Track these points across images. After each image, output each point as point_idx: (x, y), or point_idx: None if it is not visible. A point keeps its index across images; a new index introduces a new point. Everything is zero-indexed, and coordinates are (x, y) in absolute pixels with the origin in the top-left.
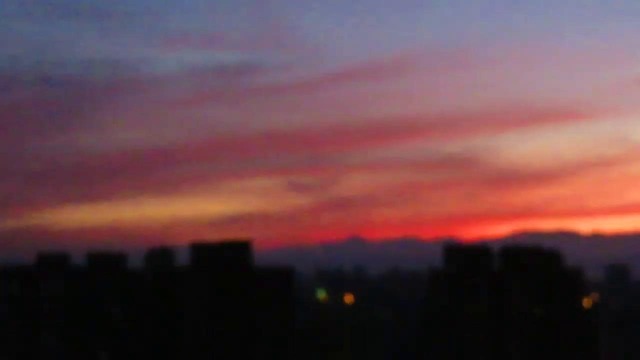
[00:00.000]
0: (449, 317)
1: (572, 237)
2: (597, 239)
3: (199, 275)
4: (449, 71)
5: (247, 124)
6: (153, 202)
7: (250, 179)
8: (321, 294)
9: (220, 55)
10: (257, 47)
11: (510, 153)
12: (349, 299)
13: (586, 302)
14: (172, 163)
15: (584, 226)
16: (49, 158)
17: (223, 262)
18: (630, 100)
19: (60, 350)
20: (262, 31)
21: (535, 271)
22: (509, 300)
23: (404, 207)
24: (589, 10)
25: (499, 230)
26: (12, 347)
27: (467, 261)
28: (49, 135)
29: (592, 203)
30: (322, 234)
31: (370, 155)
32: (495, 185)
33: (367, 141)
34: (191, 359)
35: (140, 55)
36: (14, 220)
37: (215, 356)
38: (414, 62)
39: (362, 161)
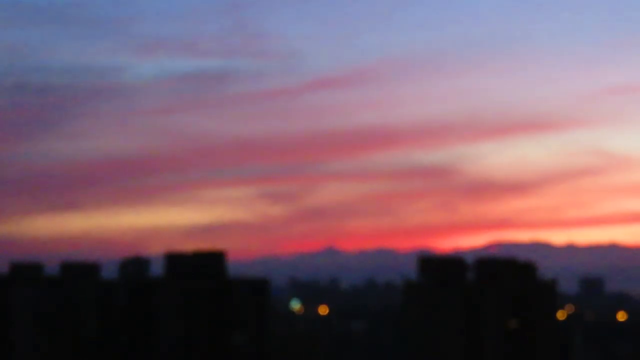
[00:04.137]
0: (423, 329)
1: (546, 248)
2: (572, 250)
3: (173, 286)
4: (425, 80)
5: (222, 132)
6: (127, 211)
7: (225, 188)
8: (296, 305)
9: (195, 62)
10: (232, 55)
11: (484, 163)
12: (323, 310)
13: (561, 314)
14: (146, 171)
15: (558, 237)
16: (23, 166)
17: (197, 272)
18: (605, 111)
19: None
20: (238, 38)
21: (510, 283)
22: (483, 312)
23: (379, 217)
24: (565, 21)
25: (474, 241)
26: None
27: (441, 273)
28: (22, 143)
29: (566, 214)
30: (297, 245)
31: (345, 165)
32: (470, 195)
33: (342, 150)
34: None
35: (114, 62)
36: None
37: None
38: (390, 71)
39: (337, 170)
